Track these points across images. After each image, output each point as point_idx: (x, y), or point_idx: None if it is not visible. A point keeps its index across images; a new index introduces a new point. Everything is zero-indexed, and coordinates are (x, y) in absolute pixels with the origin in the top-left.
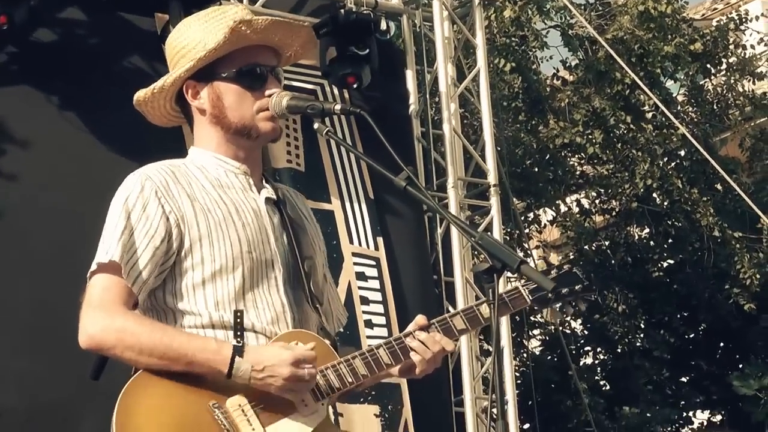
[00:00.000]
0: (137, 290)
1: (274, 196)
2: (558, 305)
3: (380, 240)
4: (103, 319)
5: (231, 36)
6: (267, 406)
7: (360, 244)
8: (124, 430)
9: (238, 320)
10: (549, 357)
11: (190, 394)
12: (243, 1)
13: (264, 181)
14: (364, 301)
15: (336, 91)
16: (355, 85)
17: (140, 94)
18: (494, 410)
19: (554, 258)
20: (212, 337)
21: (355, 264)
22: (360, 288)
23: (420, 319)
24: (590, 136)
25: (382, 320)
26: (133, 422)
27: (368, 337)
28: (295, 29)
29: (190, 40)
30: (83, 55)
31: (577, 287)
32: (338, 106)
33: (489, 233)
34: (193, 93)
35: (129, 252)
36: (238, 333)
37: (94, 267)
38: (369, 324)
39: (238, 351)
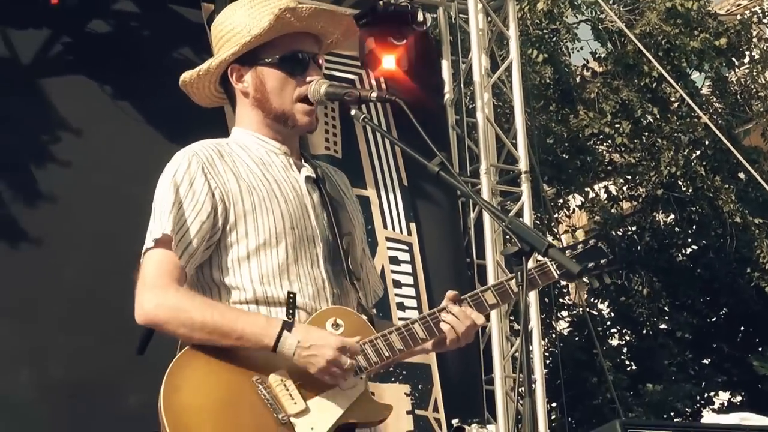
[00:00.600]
0: (185, 263)
1: (314, 175)
2: (584, 279)
3: (413, 226)
4: (157, 296)
5: (276, 23)
6: (308, 380)
7: (394, 229)
8: (171, 403)
9: (291, 301)
10: (576, 338)
11: (235, 369)
12: None
13: (303, 160)
14: (397, 284)
15: (373, 80)
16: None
17: (186, 76)
18: (522, 389)
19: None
20: (261, 314)
21: (389, 248)
22: (393, 272)
23: (451, 294)
24: (618, 127)
25: (413, 303)
26: (179, 396)
27: (400, 318)
28: (337, 17)
29: (236, 24)
30: (135, 46)
31: (602, 261)
32: (374, 94)
33: (519, 218)
34: (237, 76)
35: (178, 225)
36: (290, 311)
37: (149, 243)
38: (401, 306)
39: (288, 326)
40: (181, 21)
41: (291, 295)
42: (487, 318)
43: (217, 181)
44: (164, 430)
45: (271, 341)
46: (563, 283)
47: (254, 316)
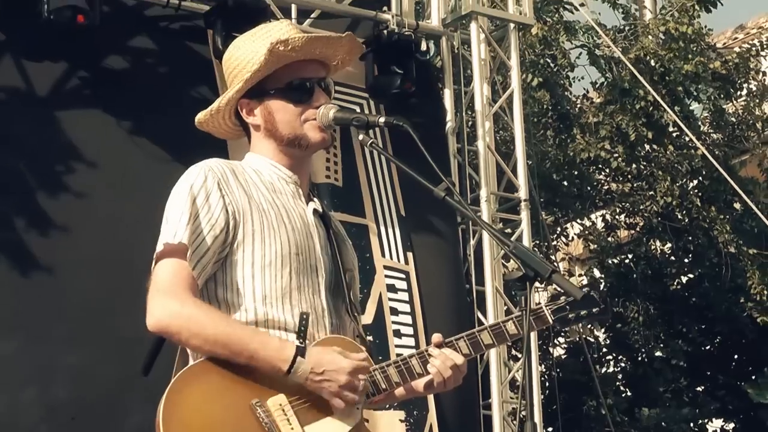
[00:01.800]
0: (198, 275)
1: (321, 210)
2: (577, 325)
3: (410, 255)
4: (172, 304)
5: (270, 57)
6: (306, 406)
7: (391, 258)
8: (169, 421)
9: (304, 322)
10: (573, 363)
11: (234, 391)
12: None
13: (312, 195)
14: (394, 311)
15: (374, 108)
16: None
17: (200, 116)
18: (523, 413)
19: (578, 270)
20: (274, 336)
21: (386, 276)
22: (390, 299)
23: (436, 338)
24: (614, 151)
25: (410, 330)
26: (178, 415)
27: (396, 345)
28: (333, 41)
29: (241, 59)
30: (151, 82)
31: (594, 310)
32: (382, 119)
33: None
34: (247, 110)
35: (194, 235)
36: (301, 335)
37: (161, 247)
38: (397, 333)
39: (301, 351)
40: (196, 57)
41: (303, 317)
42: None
43: (230, 197)
44: None
45: (285, 365)
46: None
47: (268, 337)
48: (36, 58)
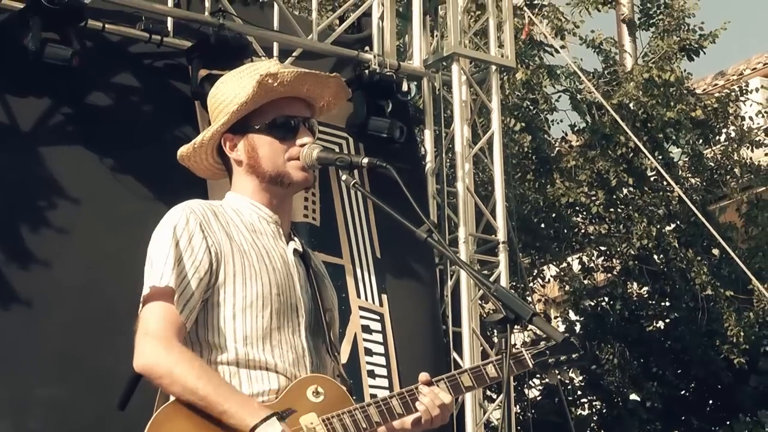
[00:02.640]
0: (185, 318)
1: (301, 249)
2: (556, 370)
3: (384, 297)
4: (159, 350)
5: (259, 89)
6: None
7: (366, 299)
8: None
9: (285, 413)
10: (548, 404)
11: (214, 429)
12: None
13: (292, 234)
14: (368, 352)
15: (353, 148)
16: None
17: (183, 150)
18: None
19: (553, 312)
20: (254, 400)
21: (362, 317)
22: (365, 340)
23: (423, 376)
24: (594, 197)
25: (383, 371)
26: None
27: (370, 386)
28: (322, 80)
29: (226, 95)
30: (134, 119)
31: (573, 355)
32: (366, 160)
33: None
34: (230, 145)
35: (179, 278)
36: (285, 416)
37: (147, 291)
38: (371, 374)
39: (280, 416)
40: (179, 95)
41: (286, 411)
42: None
43: (212, 239)
44: None
45: (253, 421)
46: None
47: (247, 399)
48: (20, 93)
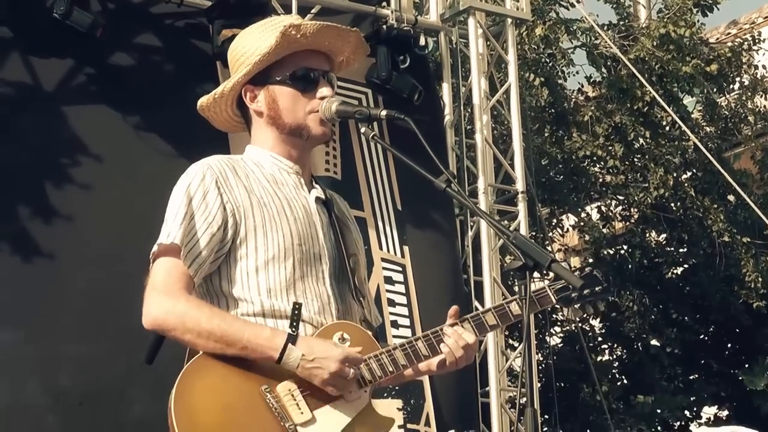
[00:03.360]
0: (194, 273)
1: (323, 197)
2: (579, 305)
3: (406, 248)
4: (166, 302)
5: (282, 40)
6: (315, 391)
7: (388, 251)
8: (181, 408)
9: (296, 312)
10: (569, 351)
11: (244, 378)
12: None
13: (314, 182)
14: (391, 303)
15: (372, 102)
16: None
17: (203, 100)
18: (524, 399)
19: (574, 261)
20: (267, 326)
21: (384, 269)
22: (387, 291)
23: (453, 310)
24: (611, 149)
25: (406, 321)
26: (189, 402)
27: (394, 336)
28: (344, 34)
29: (248, 47)
30: (156, 78)
31: (597, 288)
32: (384, 112)
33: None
34: (251, 97)
35: (189, 236)
36: (294, 323)
37: (155, 248)
38: (395, 324)
39: (292, 339)
40: (200, 54)
41: (296, 307)
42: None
43: (229, 195)
44: None
45: (275, 353)
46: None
47: (260, 327)
48: (43, 54)
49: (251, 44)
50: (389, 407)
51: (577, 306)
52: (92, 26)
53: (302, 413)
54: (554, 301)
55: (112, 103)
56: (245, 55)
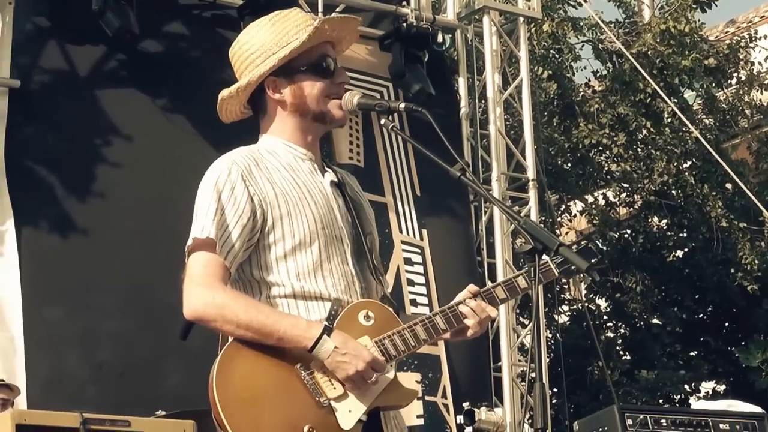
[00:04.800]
0: (230, 263)
1: (336, 179)
2: (579, 276)
3: (424, 232)
4: (205, 295)
5: (315, 34)
6: None
7: (408, 234)
8: (222, 386)
9: (335, 308)
10: (576, 329)
11: (279, 358)
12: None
13: (325, 165)
14: (410, 282)
15: (393, 95)
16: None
17: (225, 93)
18: (534, 374)
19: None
20: (302, 317)
21: (404, 251)
22: (407, 271)
23: (473, 287)
24: (615, 138)
25: (425, 300)
26: (230, 380)
27: (413, 313)
28: (354, 24)
29: (264, 42)
30: (184, 64)
31: (593, 260)
32: (402, 105)
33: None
34: (274, 88)
35: (221, 229)
36: (332, 317)
37: (190, 242)
38: (414, 303)
39: (327, 331)
40: (226, 43)
41: (335, 304)
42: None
43: (255, 187)
44: (217, 413)
45: (309, 342)
46: (563, 280)
47: (296, 318)
48: (78, 42)
49: (268, 39)
50: (409, 380)
51: (576, 276)
52: (119, 31)
53: (335, 389)
54: (557, 273)
55: (141, 86)
56: (261, 49)
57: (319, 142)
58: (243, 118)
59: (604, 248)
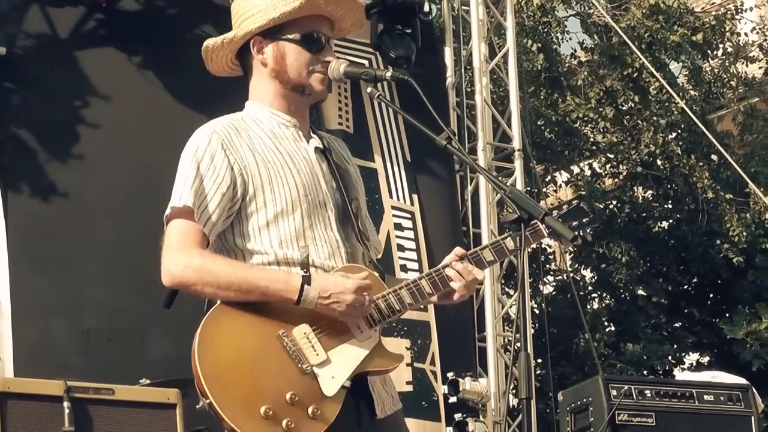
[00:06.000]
0: (208, 231)
1: (321, 146)
2: (569, 235)
3: (415, 197)
4: (183, 259)
5: (306, 4)
6: (328, 333)
7: (398, 199)
8: (204, 354)
9: (306, 256)
10: (561, 299)
11: (261, 324)
12: None
13: (311, 132)
14: (400, 248)
15: (380, 63)
16: (405, 66)
17: (209, 42)
18: (518, 344)
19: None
20: (280, 270)
21: (394, 216)
22: (397, 237)
23: (459, 250)
24: (602, 111)
25: (415, 266)
26: (211, 348)
27: (401, 279)
28: (354, 6)
29: (260, 1)
30: (162, 23)
31: (584, 219)
32: (389, 73)
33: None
34: (258, 48)
35: (200, 197)
36: (305, 265)
37: (168, 211)
38: (404, 268)
39: (306, 280)
40: (205, 1)
41: (303, 249)
42: (481, 282)
43: (235, 156)
44: (199, 381)
45: (294, 296)
46: (550, 250)
47: (274, 272)
48: (58, 4)
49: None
50: (398, 346)
51: (566, 237)
52: None
53: (317, 355)
54: (546, 234)
55: (119, 45)
56: (257, 8)
57: (309, 110)
58: (232, 75)
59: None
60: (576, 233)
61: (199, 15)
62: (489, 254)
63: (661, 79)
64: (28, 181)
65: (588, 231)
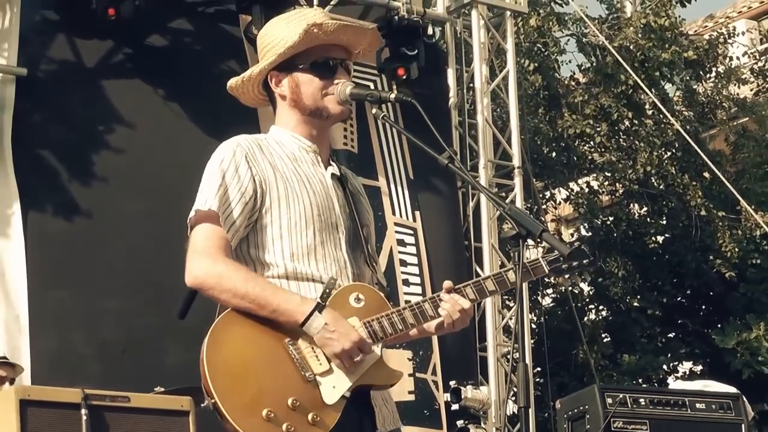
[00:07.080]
0: (231, 236)
1: (339, 173)
2: (568, 275)
3: (417, 214)
4: (206, 264)
5: (305, 37)
6: None
7: (401, 216)
8: (212, 358)
9: (330, 286)
10: (560, 312)
11: (269, 331)
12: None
13: (330, 160)
14: (403, 263)
15: (386, 85)
16: (404, 77)
17: (232, 82)
18: (516, 355)
19: (565, 230)
20: (297, 293)
21: (397, 232)
22: (400, 252)
23: (447, 284)
24: (597, 128)
25: (417, 280)
26: (219, 352)
27: (405, 293)
28: (361, 32)
29: (275, 37)
30: (187, 57)
31: (584, 261)
32: (393, 95)
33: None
34: (276, 81)
35: (224, 204)
36: (325, 295)
37: (192, 213)
38: (406, 282)
39: (319, 308)
40: (228, 37)
41: (332, 281)
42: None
43: (257, 168)
44: (205, 382)
45: (301, 318)
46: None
47: (290, 294)
48: (86, 36)
49: (278, 35)
50: (400, 357)
51: (566, 276)
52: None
53: (321, 364)
54: (547, 270)
55: (146, 78)
56: (272, 44)
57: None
58: (265, 105)
59: (588, 234)
60: (571, 248)
61: (222, 50)
62: (491, 284)
63: (653, 97)
64: (48, 199)
65: (581, 279)
